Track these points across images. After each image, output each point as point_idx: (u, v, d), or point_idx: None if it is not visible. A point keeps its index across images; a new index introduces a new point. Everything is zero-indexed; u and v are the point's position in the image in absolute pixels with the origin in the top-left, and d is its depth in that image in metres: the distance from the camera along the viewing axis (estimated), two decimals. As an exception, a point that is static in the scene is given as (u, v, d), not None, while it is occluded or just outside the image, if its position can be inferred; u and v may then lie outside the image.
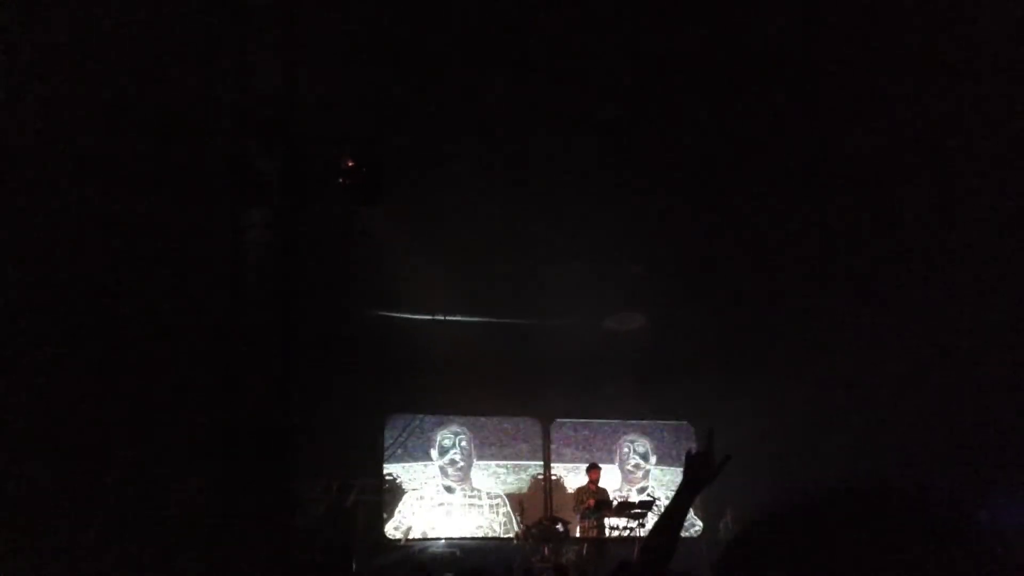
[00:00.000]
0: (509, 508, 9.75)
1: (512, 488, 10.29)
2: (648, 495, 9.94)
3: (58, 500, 5.57)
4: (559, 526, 8.76)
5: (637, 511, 8.70)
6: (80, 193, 5.24)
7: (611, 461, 10.53)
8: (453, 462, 10.26)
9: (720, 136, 6.12)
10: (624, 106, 5.80)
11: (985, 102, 5.56)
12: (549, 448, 10.49)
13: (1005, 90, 5.29)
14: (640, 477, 10.69)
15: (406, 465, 10.13)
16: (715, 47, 5.30)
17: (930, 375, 8.29)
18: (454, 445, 10.34)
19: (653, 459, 10.78)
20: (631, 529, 8.66)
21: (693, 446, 2.71)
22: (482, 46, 5.28)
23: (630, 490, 10.43)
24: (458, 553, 9.55)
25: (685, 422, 10.86)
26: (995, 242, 6.97)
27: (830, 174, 6.43)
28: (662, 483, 10.63)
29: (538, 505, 10.14)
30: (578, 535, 9.24)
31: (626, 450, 10.73)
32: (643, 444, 10.81)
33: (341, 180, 5.92)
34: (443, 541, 9.77)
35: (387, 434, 10.15)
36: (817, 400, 9.12)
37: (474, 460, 10.33)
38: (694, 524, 10.14)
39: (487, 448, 10.42)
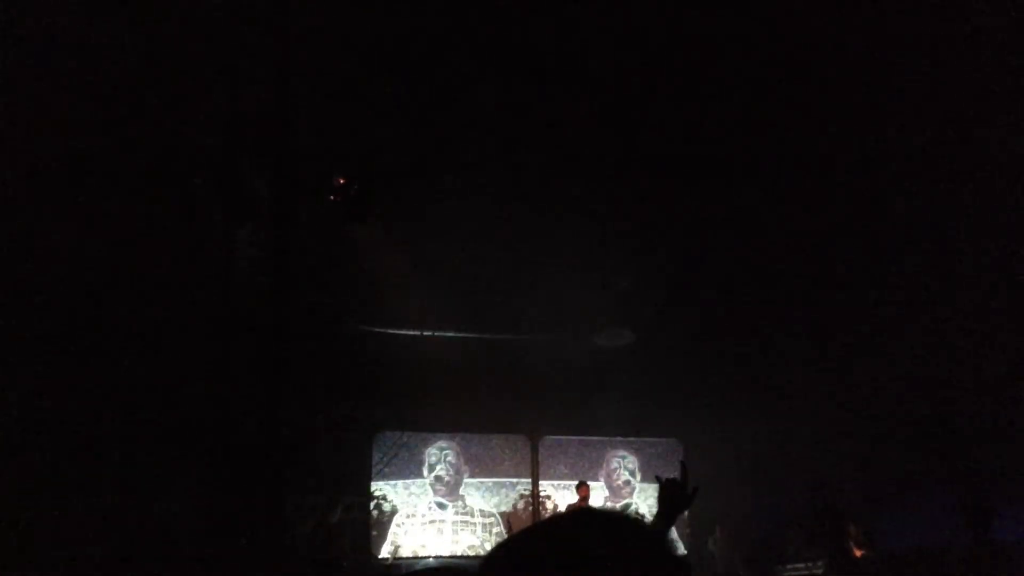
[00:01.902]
0: (504, 527, 9.72)
1: (500, 506, 10.28)
2: (635, 512, 9.95)
3: (54, 505, 5.55)
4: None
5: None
6: (75, 206, 5.25)
7: (598, 478, 10.54)
8: (439, 478, 10.23)
9: (714, 154, 6.16)
10: (615, 124, 5.85)
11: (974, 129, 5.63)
12: (538, 465, 10.49)
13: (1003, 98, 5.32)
14: (627, 494, 10.69)
15: (395, 483, 10.10)
16: (706, 65, 5.35)
17: (917, 395, 8.36)
18: (440, 461, 10.31)
19: (638, 476, 10.80)
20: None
21: (666, 473, 2.78)
22: (474, 64, 5.32)
23: (614, 507, 10.43)
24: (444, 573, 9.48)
25: (673, 439, 10.88)
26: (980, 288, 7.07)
27: (824, 193, 6.49)
28: (646, 500, 10.64)
29: (526, 523, 10.11)
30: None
31: (615, 466, 10.74)
32: (632, 461, 10.83)
33: (332, 197, 5.96)
34: (431, 560, 9.72)
35: (375, 451, 10.12)
36: (807, 418, 9.16)
37: (464, 477, 10.31)
38: (678, 546, 10.13)
39: (476, 465, 10.40)
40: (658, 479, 2.63)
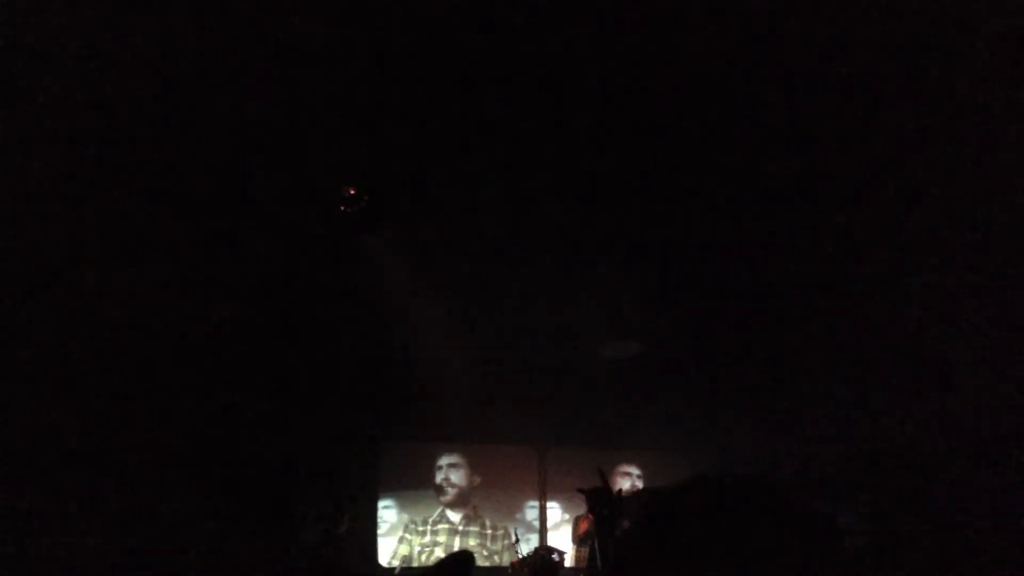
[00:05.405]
0: (512, 538, 9.70)
1: (508, 517, 10.26)
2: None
3: (56, 513, 5.55)
4: (554, 556, 8.70)
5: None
6: (82, 212, 5.28)
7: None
8: (447, 489, 10.23)
9: (724, 166, 6.15)
10: (625, 136, 5.85)
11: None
12: (545, 477, 10.47)
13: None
14: (632, 507, 10.65)
15: (402, 493, 10.10)
16: (716, 78, 5.35)
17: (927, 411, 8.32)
18: (447, 472, 10.32)
19: (642, 487, 10.77)
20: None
21: (587, 485, 2.93)
22: (484, 75, 5.34)
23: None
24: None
25: (680, 453, 10.85)
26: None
27: (835, 204, 6.47)
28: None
29: (534, 534, 10.12)
30: (572, 565, 9.19)
31: (621, 479, 10.71)
32: (640, 473, 10.80)
33: (342, 208, 5.98)
34: (438, 571, 9.69)
35: (382, 462, 10.13)
36: (817, 435, 9.14)
37: (472, 488, 10.30)
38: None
39: (484, 476, 10.39)
40: (581, 491, 2.78)
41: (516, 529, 9.76)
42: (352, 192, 5.92)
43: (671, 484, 0.95)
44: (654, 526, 0.90)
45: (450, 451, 10.39)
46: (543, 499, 10.42)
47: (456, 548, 9.92)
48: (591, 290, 8.10)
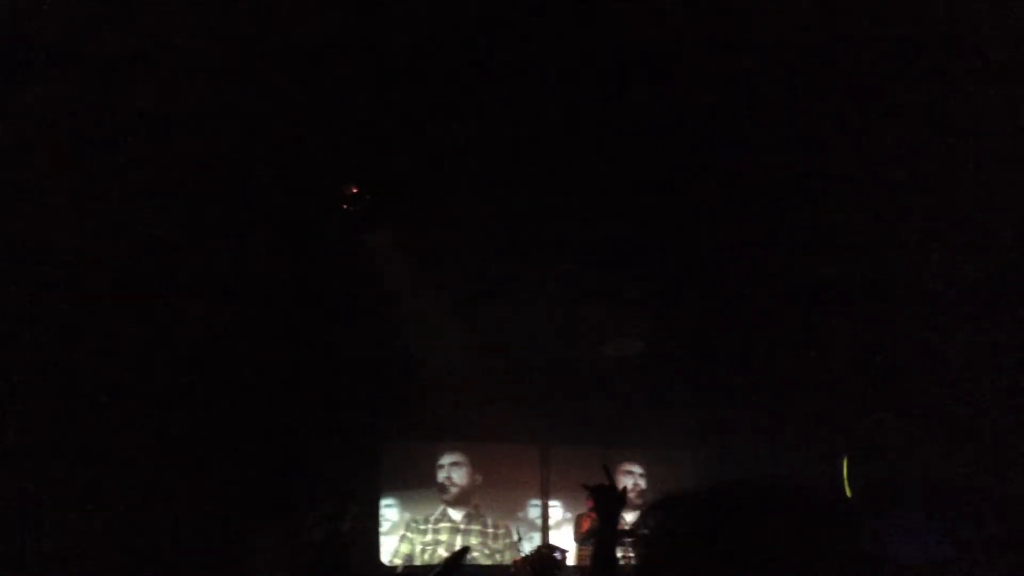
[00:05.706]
0: (514, 537, 9.69)
1: (510, 516, 10.25)
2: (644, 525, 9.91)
3: (55, 514, 5.54)
4: (556, 554, 8.68)
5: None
6: (84, 211, 5.26)
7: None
8: (449, 488, 10.22)
9: (727, 161, 6.13)
10: (627, 131, 5.83)
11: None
12: (547, 475, 10.46)
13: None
14: (637, 505, 10.65)
15: (404, 492, 10.09)
16: (717, 74, 5.32)
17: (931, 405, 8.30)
18: (449, 471, 10.31)
19: (648, 487, 10.75)
20: (629, 557, 8.59)
21: (594, 481, 2.95)
22: (484, 72, 5.32)
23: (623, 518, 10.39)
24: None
25: (683, 451, 10.83)
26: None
27: (838, 200, 6.45)
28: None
29: (536, 533, 10.11)
30: (574, 563, 9.18)
31: (624, 477, 10.70)
32: (642, 471, 10.78)
33: (345, 207, 5.97)
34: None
35: (384, 461, 10.12)
36: (818, 431, 9.11)
37: (474, 487, 10.30)
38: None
39: (486, 475, 10.39)
40: (585, 487, 2.81)
41: (518, 528, 9.75)
42: (355, 191, 5.90)
43: (696, 488, 0.92)
44: (679, 531, 0.88)
45: (452, 450, 10.37)
46: (545, 498, 10.40)
47: (458, 547, 9.91)
48: (593, 288, 8.08)
